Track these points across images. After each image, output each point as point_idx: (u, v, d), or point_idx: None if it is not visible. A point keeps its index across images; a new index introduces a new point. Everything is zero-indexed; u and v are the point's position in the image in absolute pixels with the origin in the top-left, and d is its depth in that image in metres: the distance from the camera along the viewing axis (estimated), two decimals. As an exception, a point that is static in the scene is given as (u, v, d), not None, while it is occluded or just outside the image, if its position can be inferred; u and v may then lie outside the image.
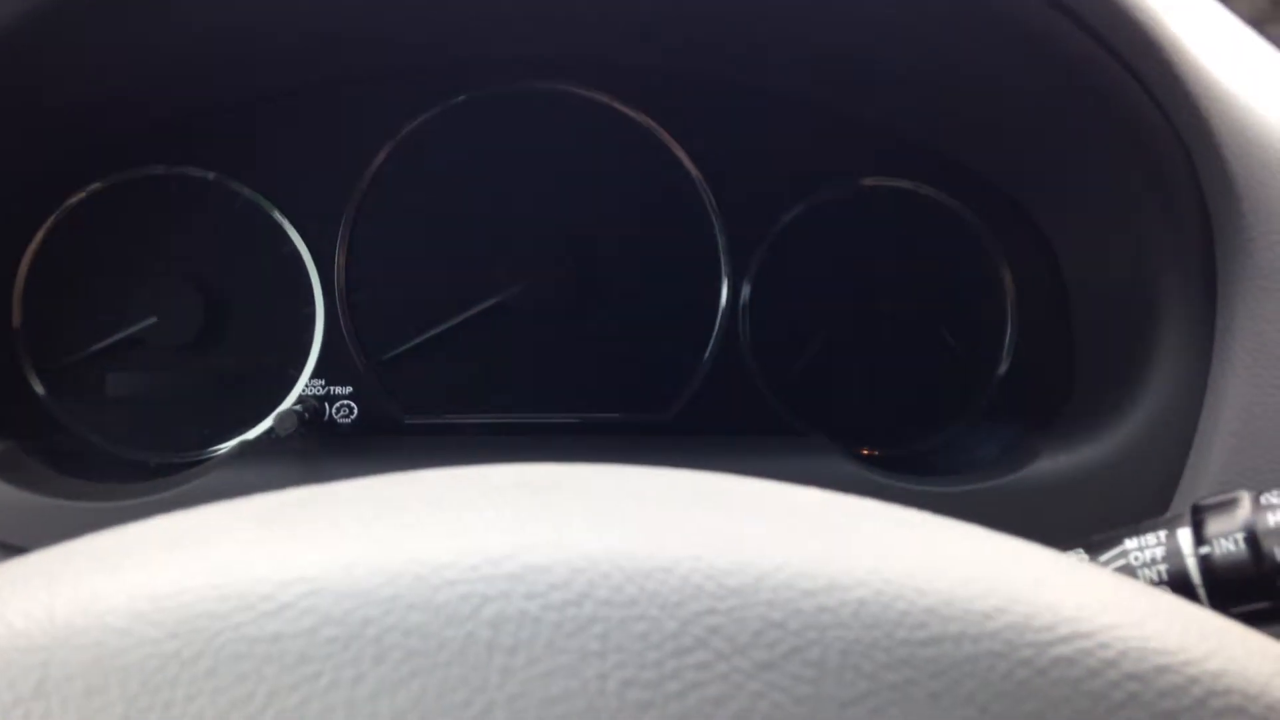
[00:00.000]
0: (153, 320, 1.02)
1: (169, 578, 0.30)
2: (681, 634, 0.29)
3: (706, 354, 1.08)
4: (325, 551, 0.30)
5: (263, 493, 0.94)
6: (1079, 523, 0.90)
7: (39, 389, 1.04)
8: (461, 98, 1.06)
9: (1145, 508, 0.88)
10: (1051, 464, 0.91)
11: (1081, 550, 0.59)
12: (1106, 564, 0.58)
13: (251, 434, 1.05)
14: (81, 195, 1.03)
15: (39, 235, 1.02)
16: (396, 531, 0.31)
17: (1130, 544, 0.55)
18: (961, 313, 1.08)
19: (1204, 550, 0.50)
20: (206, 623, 0.29)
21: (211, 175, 1.04)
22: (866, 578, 0.30)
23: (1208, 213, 0.82)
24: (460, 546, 0.30)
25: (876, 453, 1.07)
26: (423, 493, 0.36)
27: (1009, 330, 1.08)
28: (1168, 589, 0.51)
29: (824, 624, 0.29)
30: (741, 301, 1.08)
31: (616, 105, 1.06)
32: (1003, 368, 1.08)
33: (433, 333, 1.06)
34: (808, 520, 0.34)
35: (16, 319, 1.03)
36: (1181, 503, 0.86)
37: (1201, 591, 0.50)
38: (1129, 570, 0.55)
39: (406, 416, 1.07)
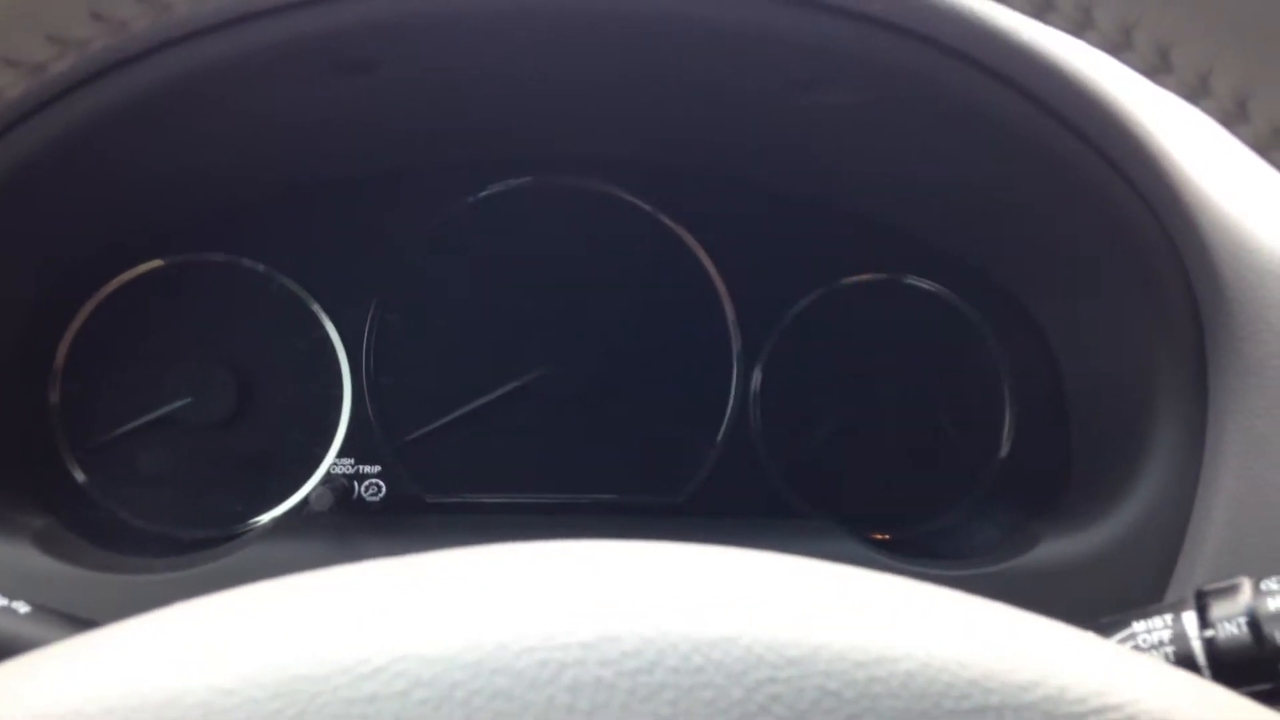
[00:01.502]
0: (187, 400, 1.06)
1: (267, 643, 0.33)
2: (746, 701, 0.31)
3: (718, 438, 1.12)
4: (410, 618, 0.33)
5: (296, 568, 0.96)
6: (1079, 607, 0.92)
7: (75, 468, 1.06)
8: (487, 192, 1.11)
9: (1142, 593, 0.90)
10: (1051, 549, 0.94)
11: (1092, 632, 0.62)
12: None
13: (280, 509, 1.08)
14: (125, 278, 1.07)
15: (81, 315, 1.06)
16: (474, 601, 0.34)
17: (1138, 626, 0.58)
18: (962, 402, 1.12)
19: (1208, 633, 0.53)
20: (307, 685, 0.31)
21: (262, 267, 1.08)
22: (912, 651, 0.33)
23: (1198, 309, 0.86)
24: (536, 616, 0.33)
25: (883, 536, 1.10)
26: (491, 566, 0.39)
27: (1007, 419, 1.11)
28: (1174, 670, 0.54)
29: (876, 694, 0.31)
30: (753, 388, 1.12)
31: (635, 201, 1.12)
32: (1001, 454, 1.12)
33: (455, 415, 1.09)
34: (853, 596, 0.37)
35: (54, 397, 1.06)
36: (1177, 588, 0.89)
37: (1207, 673, 0.53)
38: (1137, 651, 0.58)
39: (428, 495, 1.10)
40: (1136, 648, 0.58)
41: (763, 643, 0.32)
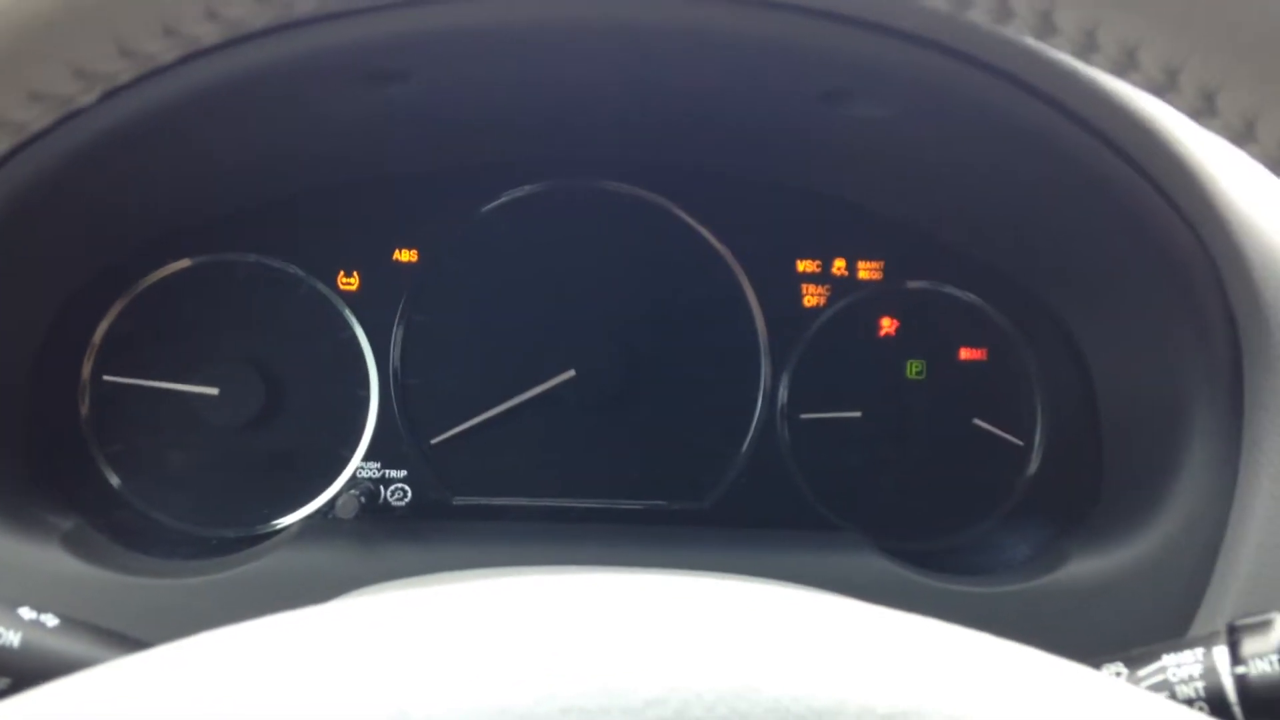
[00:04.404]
0: (214, 392, 1.06)
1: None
2: None
3: (744, 446, 1.11)
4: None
5: (322, 574, 0.95)
6: (1109, 627, 0.92)
7: (106, 468, 1.07)
8: (517, 193, 1.11)
9: (1172, 615, 0.89)
10: (1081, 568, 0.93)
11: (1120, 664, 0.61)
12: (1145, 679, 0.60)
13: (306, 510, 1.08)
14: (154, 278, 1.08)
15: (110, 315, 1.07)
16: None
17: (1168, 660, 0.57)
18: (993, 415, 1.11)
19: (1240, 670, 0.52)
20: None
21: (291, 268, 1.09)
22: (942, 706, 0.32)
23: (1236, 329, 0.85)
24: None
25: (909, 548, 1.09)
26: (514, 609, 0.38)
27: (1038, 433, 1.10)
28: (1205, 706, 0.53)
29: None
30: (780, 396, 1.11)
31: (665, 204, 1.11)
32: (1031, 469, 1.11)
33: (481, 418, 1.09)
34: (881, 643, 0.36)
35: (84, 397, 1.07)
36: (1209, 611, 0.88)
37: (1237, 710, 0.52)
38: (1167, 685, 0.57)
39: (455, 497, 1.11)
40: (1166, 682, 0.58)
41: (790, 694, 0.32)
